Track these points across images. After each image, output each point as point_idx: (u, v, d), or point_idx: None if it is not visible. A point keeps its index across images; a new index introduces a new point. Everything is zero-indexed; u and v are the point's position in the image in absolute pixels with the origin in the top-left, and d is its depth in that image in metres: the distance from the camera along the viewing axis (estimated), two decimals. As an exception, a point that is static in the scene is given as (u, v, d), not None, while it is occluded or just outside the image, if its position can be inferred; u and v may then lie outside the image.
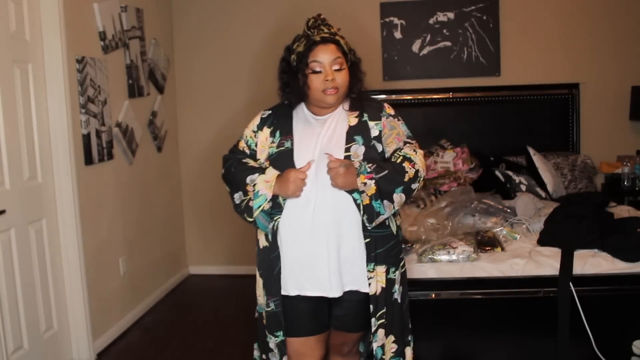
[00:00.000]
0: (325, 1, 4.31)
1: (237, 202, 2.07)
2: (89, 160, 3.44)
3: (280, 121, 2.10)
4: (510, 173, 4.06)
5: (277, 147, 2.06)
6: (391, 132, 2.07)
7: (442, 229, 3.03)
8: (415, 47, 4.70)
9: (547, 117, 4.56)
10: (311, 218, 2.00)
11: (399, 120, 2.12)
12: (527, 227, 3.16)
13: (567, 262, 2.63)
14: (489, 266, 2.69)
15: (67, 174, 3.23)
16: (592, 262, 2.65)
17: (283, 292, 2.07)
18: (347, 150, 2.01)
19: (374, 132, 2.05)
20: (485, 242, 2.86)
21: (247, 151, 2.14)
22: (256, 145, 2.12)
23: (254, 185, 2.02)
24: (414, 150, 2.05)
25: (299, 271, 2.04)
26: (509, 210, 3.30)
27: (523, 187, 3.94)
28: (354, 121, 2.06)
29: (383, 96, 4.56)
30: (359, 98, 2.10)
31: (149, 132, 4.36)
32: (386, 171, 1.96)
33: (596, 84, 4.56)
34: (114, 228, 3.80)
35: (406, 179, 1.97)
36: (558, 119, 4.57)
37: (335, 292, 2.03)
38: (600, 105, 4.58)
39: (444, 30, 4.65)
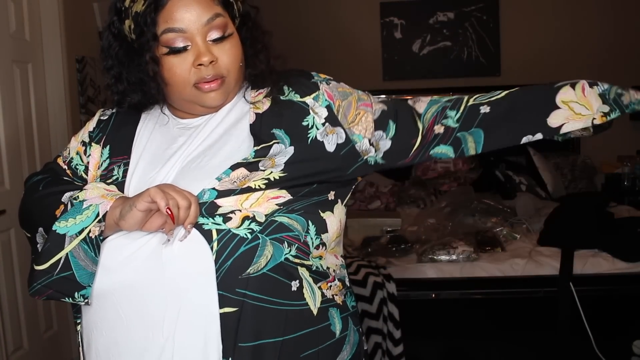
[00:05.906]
0: (325, 1, 4.31)
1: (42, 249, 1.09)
2: (89, 160, 3.44)
3: (117, 129, 1.20)
4: (510, 173, 4.06)
5: (102, 178, 1.15)
6: (350, 104, 1.18)
7: (442, 229, 3.03)
8: (416, 47, 4.70)
9: (547, 117, 4.57)
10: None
11: (343, 85, 1.21)
12: (527, 227, 3.16)
13: (567, 262, 2.63)
14: (489, 266, 2.69)
15: (67, 174, 3.23)
16: (592, 262, 2.65)
17: None
18: (259, 157, 1.06)
19: (319, 115, 1.11)
20: (485, 242, 2.86)
21: (72, 179, 1.22)
22: (86, 172, 1.19)
23: (76, 197, 1.09)
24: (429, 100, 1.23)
25: None
26: (509, 210, 3.30)
27: (523, 187, 3.94)
28: (264, 105, 1.12)
29: (383, 96, 4.56)
30: (266, 74, 1.15)
31: (149, 132, 4.36)
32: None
33: (596, 84, 4.57)
34: (114, 228, 3.79)
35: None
36: (558, 118, 4.58)
37: None
38: (600, 105, 4.59)
39: (444, 30, 4.65)
